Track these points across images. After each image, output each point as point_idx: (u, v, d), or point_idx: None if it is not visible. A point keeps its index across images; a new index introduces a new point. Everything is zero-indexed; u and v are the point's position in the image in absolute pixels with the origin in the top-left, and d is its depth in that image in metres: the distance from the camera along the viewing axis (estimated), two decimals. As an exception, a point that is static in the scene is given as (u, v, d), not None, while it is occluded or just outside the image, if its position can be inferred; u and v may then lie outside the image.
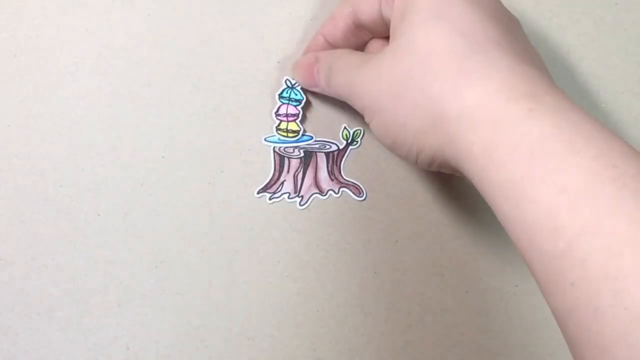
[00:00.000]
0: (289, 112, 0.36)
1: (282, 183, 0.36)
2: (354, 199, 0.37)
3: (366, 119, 0.31)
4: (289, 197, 0.36)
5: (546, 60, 0.36)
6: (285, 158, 0.36)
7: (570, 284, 0.22)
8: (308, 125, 0.37)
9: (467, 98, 0.26)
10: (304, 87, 0.36)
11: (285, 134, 0.36)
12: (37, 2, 0.36)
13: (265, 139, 0.36)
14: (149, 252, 0.36)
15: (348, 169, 0.37)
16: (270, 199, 0.36)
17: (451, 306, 0.36)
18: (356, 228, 0.36)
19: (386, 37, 0.34)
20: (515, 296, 0.37)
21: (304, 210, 0.36)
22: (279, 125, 0.36)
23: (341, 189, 0.36)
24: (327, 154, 0.37)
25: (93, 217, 0.36)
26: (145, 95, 0.36)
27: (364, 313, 0.36)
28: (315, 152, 0.37)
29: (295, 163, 0.36)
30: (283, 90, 0.36)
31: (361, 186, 0.37)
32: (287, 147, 0.36)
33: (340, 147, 0.37)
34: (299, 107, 0.36)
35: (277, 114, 0.36)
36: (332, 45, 0.35)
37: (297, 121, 0.36)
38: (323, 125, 0.37)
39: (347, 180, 0.37)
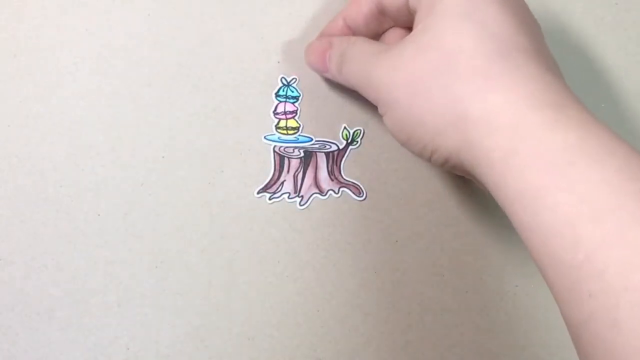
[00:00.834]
0: (286, 109, 0.36)
1: (282, 183, 0.36)
2: (354, 199, 0.37)
3: (380, 111, 0.30)
4: (289, 197, 0.36)
5: (546, 60, 0.37)
6: (285, 158, 0.36)
7: (587, 295, 0.22)
8: (308, 126, 0.37)
9: (490, 102, 0.25)
10: (314, 71, 0.36)
11: (285, 131, 0.36)
12: (37, 2, 0.36)
13: (265, 137, 0.36)
14: (149, 252, 0.36)
15: (348, 169, 0.37)
16: (270, 199, 0.36)
17: (451, 306, 0.36)
18: (356, 228, 0.36)
19: (406, 28, 0.33)
20: (515, 296, 0.36)
21: (303, 210, 0.36)
22: (278, 123, 0.36)
23: (341, 189, 0.36)
24: (327, 154, 0.37)
25: (93, 217, 0.36)
26: (145, 95, 0.36)
27: (363, 313, 0.36)
28: (315, 152, 0.37)
29: (295, 163, 0.36)
30: (279, 89, 0.36)
31: (361, 186, 0.37)
32: (287, 147, 0.36)
33: (340, 147, 0.37)
34: (297, 104, 0.36)
35: (275, 113, 0.36)
36: (351, 29, 0.34)
37: (296, 118, 0.36)
38: (323, 125, 0.37)
39: (347, 180, 0.37)
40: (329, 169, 0.37)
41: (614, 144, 0.24)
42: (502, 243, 0.37)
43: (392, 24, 0.34)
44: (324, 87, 0.37)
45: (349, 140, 0.37)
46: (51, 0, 0.36)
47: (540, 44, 0.28)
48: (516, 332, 0.36)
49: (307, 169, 0.36)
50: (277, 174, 0.36)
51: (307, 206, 0.36)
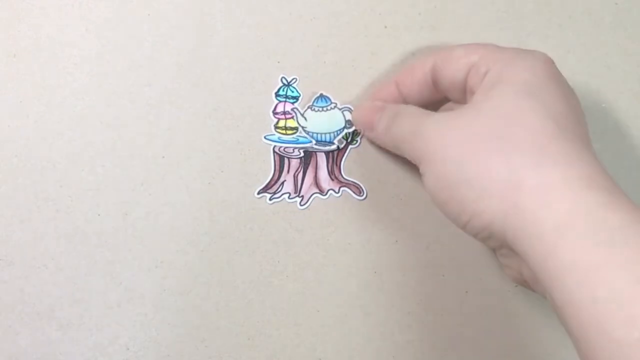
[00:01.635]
0: (286, 109, 0.36)
1: (282, 183, 0.36)
2: (354, 198, 0.37)
3: (422, 168, 0.30)
4: (289, 197, 0.36)
5: (546, 60, 0.37)
6: (285, 158, 0.36)
7: None
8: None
9: (548, 176, 0.26)
10: (357, 127, 0.36)
11: (284, 131, 0.36)
12: (37, 2, 0.36)
13: (265, 137, 0.36)
14: (149, 252, 0.36)
15: (348, 169, 0.37)
16: (270, 199, 0.36)
17: (451, 306, 0.36)
18: (356, 228, 0.36)
19: (457, 103, 0.34)
20: (515, 296, 0.36)
21: (304, 210, 0.36)
22: (277, 123, 0.36)
23: (341, 189, 0.36)
24: (327, 154, 0.37)
25: (93, 217, 0.36)
26: (145, 95, 0.36)
27: (363, 313, 0.36)
28: (315, 151, 0.37)
29: (295, 163, 0.36)
30: (279, 89, 0.36)
31: (362, 186, 0.37)
32: (286, 147, 0.36)
33: (340, 146, 0.37)
34: (296, 104, 0.36)
35: (274, 112, 0.36)
36: (404, 95, 0.34)
37: (295, 118, 0.36)
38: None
39: (347, 180, 0.37)
40: (329, 168, 0.37)
41: None
42: (502, 243, 0.37)
43: (443, 97, 0.34)
44: (324, 87, 0.37)
45: (349, 140, 0.37)
46: (51, 0, 0.36)
47: (587, 132, 0.29)
48: (516, 332, 0.36)
49: (307, 168, 0.36)
50: (277, 174, 0.36)
51: (308, 206, 0.36)
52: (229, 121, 0.36)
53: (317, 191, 0.36)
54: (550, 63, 0.30)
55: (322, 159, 0.37)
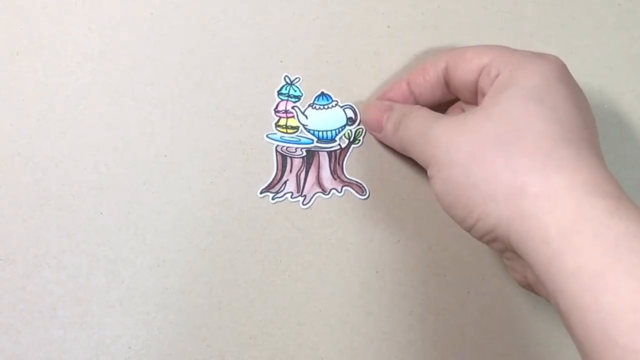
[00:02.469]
0: (287, 108, 0.36)
1: (285, 183, 0.36)
2: (356, 198, 0.37)
3: (430, 171, 0.30)
4: (291, 197, 0.36)
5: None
6: (288, 157, 0.36)
7: None
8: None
9: (554, 181, 0.26)
10: (367, 129, 0.36)
11: (284, 130, 0.36)
12: (39, 1, 0.36)
13: (266, 136, 0.36)
14: (151, 251, 0.36)
15: (351, 168, 0.37)
16: (273, 198, 0.36)
17: (453, 306, 0.36)
18: (359, 227, 0.36)
19: (468, 103, 0.34)
20: (517, 297, 0.37)
21: (306, 209, 0.36)
22: (278, 122, 0.36)
23: (344, 188, 0.36)
24: (329, 153, 0.37)
25: (95, 216, 0.36)
26: (148, 94, 0.36)
27: (366, 313, 0.36)
28: (318, 151, 0.37)
29: (297, 162, 0.36)
30: (282, 87, 0.36)
31: (364, 185, 0.37)
32: (289, 147, 0.36)
33: (343, 145, 0.37)
34: (298, 104, 0.36)
35: (276, 111, 0.36)
36: (415, 95, 0.34)
37: (296, 116, 0.36)
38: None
39: (349, 179, 0.37)
40: (332, 168, 0.37)
41: None
42: (504, 243, 0.37)
43: (455, 97, 0.34)
44: (327, 87, 0.37)
45: (352, 139, 0.37)
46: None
47: (596, 137, 0.29)
48: (518, 332, 0.37)
49: (309, 168, 0.36)
50: (279, 173, 0.36)
51: (310, 205, 0.36)
52: (232, 120, 0.36)
53: (320, 191, 0.36)
54: (561, 67, 0.30)
55: (324, 159, 0.37)
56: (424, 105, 0.33)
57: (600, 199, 0.25)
